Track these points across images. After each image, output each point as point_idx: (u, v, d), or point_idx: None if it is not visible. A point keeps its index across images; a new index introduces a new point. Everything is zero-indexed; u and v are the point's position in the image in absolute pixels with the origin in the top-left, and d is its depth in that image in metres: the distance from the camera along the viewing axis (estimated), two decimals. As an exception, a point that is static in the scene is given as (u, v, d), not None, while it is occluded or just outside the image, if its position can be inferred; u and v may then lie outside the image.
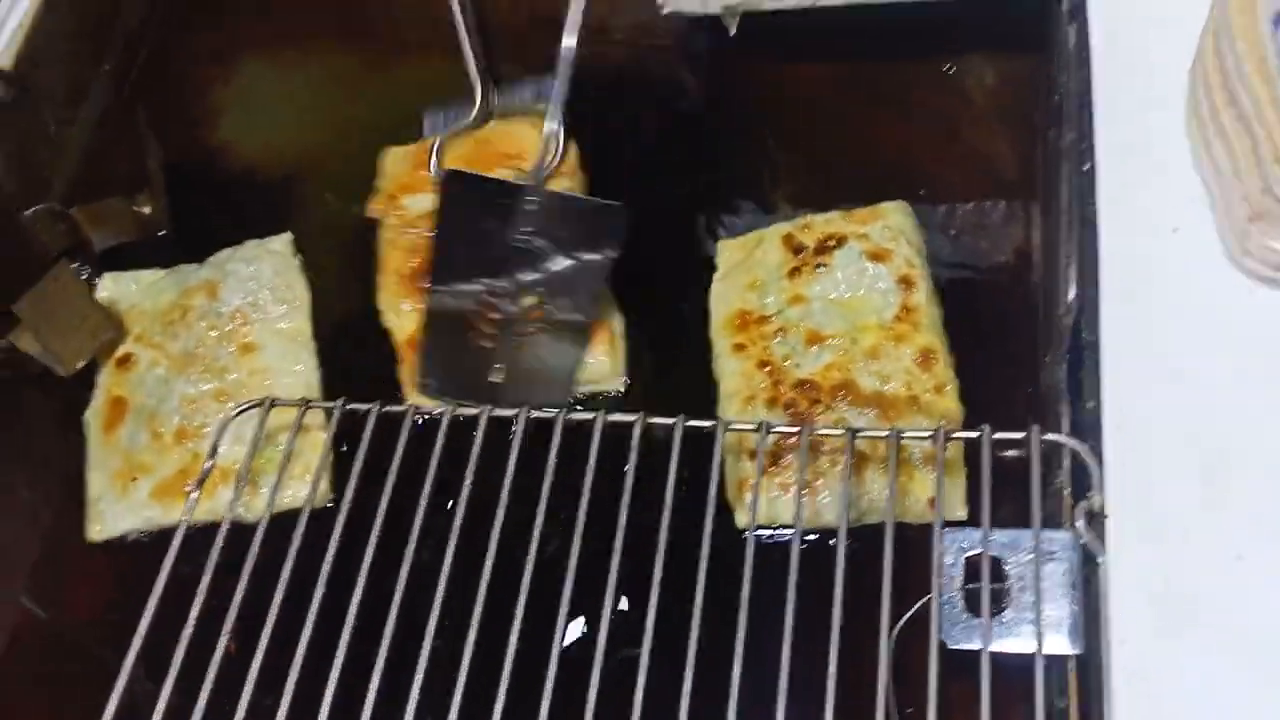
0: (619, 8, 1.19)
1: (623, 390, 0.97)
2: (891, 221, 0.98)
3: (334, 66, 1.24)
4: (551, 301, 0.94)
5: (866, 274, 0.94)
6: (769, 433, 0.83)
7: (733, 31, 1.03)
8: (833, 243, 0.96)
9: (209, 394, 0.99)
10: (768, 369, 0.92)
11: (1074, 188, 0.85)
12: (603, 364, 0.96)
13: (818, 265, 0.96)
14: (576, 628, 0.83)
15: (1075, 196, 0.85)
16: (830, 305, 0.94)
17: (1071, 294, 0.77)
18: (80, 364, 1.01)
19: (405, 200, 1.04)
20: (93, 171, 1.19)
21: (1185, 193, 0.84)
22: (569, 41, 1.00)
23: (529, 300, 0.94)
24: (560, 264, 0.93)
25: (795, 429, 0.83)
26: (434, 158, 1.05)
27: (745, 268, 0.99)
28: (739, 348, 0.94)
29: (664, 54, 1.15)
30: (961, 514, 0.84)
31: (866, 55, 1.09)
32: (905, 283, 0.94)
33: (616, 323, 0.98)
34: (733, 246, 1.01)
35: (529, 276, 0.93)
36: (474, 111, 1.09)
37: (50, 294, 0.95)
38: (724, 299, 0.98)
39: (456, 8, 1.12)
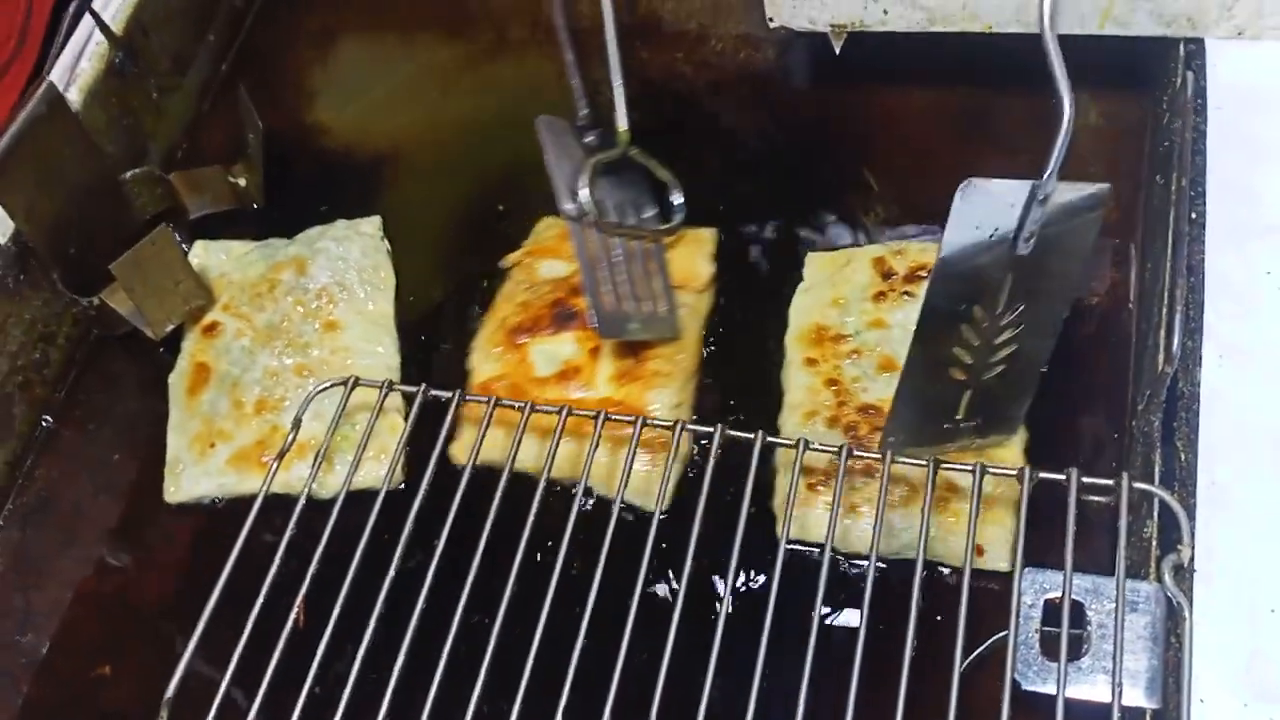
0: (723, 17, 1.19)
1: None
2: None
3: (433, 57, 1.25)
4: (1028, 316, 0.81)
5: None
6: (806, 449, 0.82)
7: (838, 50, 1.03)
8: (924, 272, 0.96)
9: (290, 368, 1.00)
10: (835, 387, 0.92)
11: (1180, 235, 0.84)
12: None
13: (904, 293, 0.95)
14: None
15: (1181, 244, 0.83)
16: (910, 335, 0.93)
17: (1175, 343, 0.75)
18: (169, 328, 1.02)
19: (541, 262, 1.04)
20: (190, 141, 1.22)
21: (1295, 249, 0.82)
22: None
23: (1009, 318, 0.82)
24: (1046, 271, 0.80)
25: (834, 447, 0.82)
26: (586, 181, 0.97)
27: (831, 283, 0.98)
28: (810, 362, 0.94)
29: (765, 67, 1.15)
30: (1004, 565, 0.82)
31: (970, 84, 1.08)
32: None
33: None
34: (822, 260, 1.01)
35: (1015, 294, 0.80)
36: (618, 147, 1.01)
37: (147, 256, 0.97)
38: (804, 311, 0.98)
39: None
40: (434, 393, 0.90)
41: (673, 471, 0.87)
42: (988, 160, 1.07)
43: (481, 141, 1.18)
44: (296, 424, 0.89)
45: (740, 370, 0.98)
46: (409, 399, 0.92)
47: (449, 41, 1.25)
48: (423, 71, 1.24)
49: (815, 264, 1.01)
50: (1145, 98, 1.03)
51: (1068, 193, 0.78)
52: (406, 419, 0.90)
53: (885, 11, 0.96)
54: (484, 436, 0.86)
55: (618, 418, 0.86)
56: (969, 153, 1.08)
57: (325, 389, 0.90)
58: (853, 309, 0.96)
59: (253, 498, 0.87)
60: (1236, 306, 0.81)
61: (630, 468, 0.83)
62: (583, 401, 0.93)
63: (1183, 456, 0.76)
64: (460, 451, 0.93)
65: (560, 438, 0.85)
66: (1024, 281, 0.80)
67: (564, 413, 0.86)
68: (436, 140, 1.19)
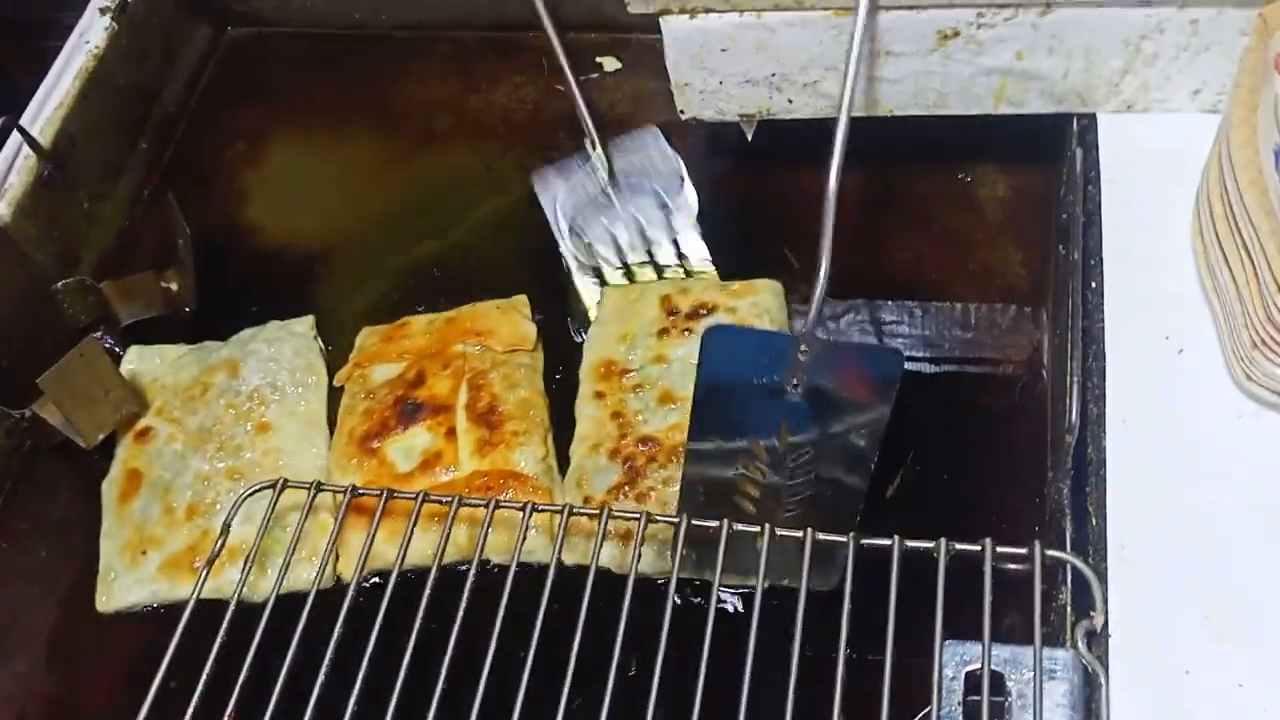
0: (644, 107, 1.23)
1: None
2: (760, 299, 1.02)
3: (361, 153, 1.27)
4: (821, 470, 0.83)
5: None
6: (571, 514, 0.86)
7: (750, 137, 1.06)
8: (704, 310, 1.02)
9: (222, 471, 1.00)
10: (620, 420, 0.97)
11: (1081, 305, 0.87)
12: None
13: (685, 329, 1.01)
14: None
15: (1082, 313, 0.86)
16: (689, 369, 0.98)
17: (1076, 412, 0.78)
18: (101, 436, 1.03)
19: (371, 369, 1.05)
20: (123, 247, 1.22)
21: (1192, 314, 0.85)
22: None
23: (796, 464, 0.84)
24: (831, 423, 0.82)
25: (595, 510, 0.86)
26: (559, 223, 1.07)
27: (622, 319, 1.04)
28: (599, 395, 0.99)
29: (685, 153, 1.18)
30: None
31: (880, 162, 1.11)
32: None
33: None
34: (615, 294, 1.06)
35: (797, 437, 0.82)
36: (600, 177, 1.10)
37: (75, 368, 0.97)
38: (596, 345, 1.03)
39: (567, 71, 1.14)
40: (362, 490, 0.91)
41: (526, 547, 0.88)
42: (902, 232, 1.11)
43: (412, 234, 1.19)
44: (225, 529, 0.89)
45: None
46: (338, 498, 0.93)
47: (376, 136, 1.27)
48: (352, 167, 1.26)
49: (610, 298, 1.06)
50: (1048, 170, 1.07)
51: (844, 352, 0.85)
52: (337, 519, 0.91)
53: (790, 100, 1.00)
54: (373, 537, 0.88)
55: (471, 501, 0.87)
56: (883, 227, 1.11)
57: (254, 492, 0.90)
58: (639, 344, 1.01)
59: (185, 604, 0.87)
60: (1138, 372, 0.83)
61: (484, 542, 0.86)
62: (452, 483, 0.95)
63: (1093, 522, 0.78)
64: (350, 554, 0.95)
65: (414, 526, 0.87)
66: (806, 429, 0.82)
67: (420, 498, 0.88)
68: (367, 236, 1.20)
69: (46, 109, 1.15)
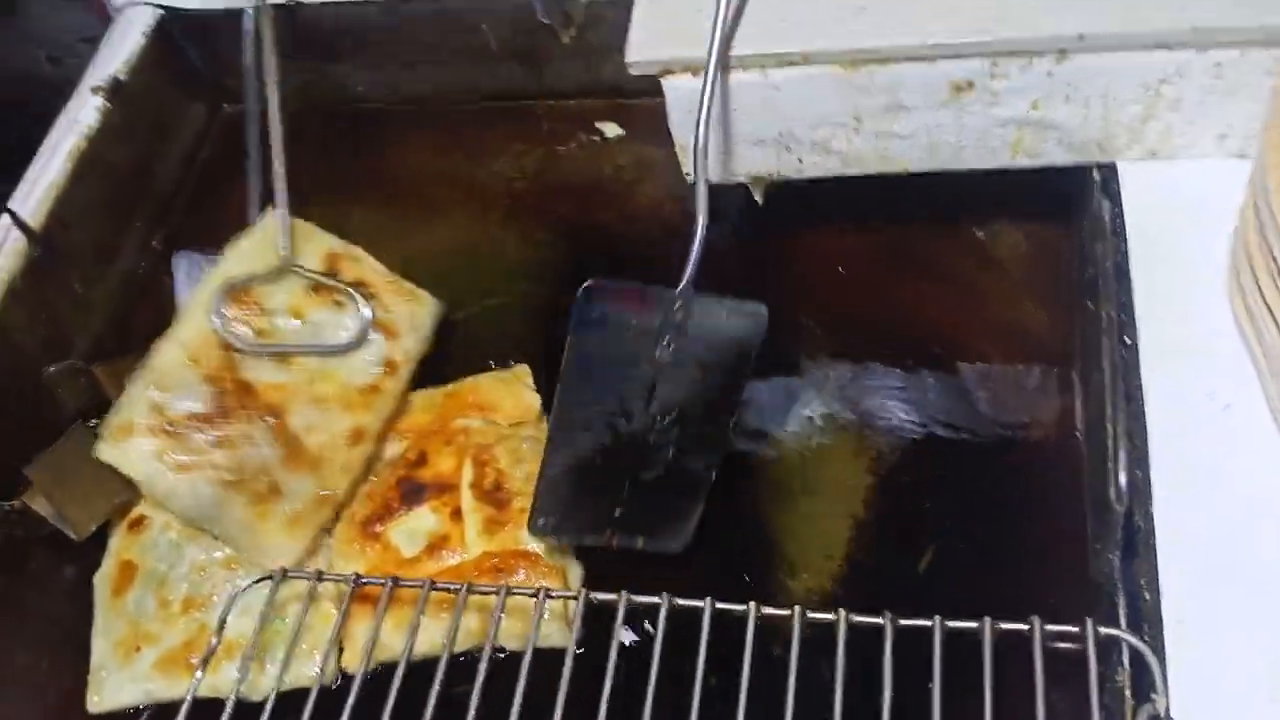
0: (646, 172, 1.20)
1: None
2: (418, 311, 1.03)
3: (363, 229, 1.23)
4: (683, 432, 0.85)
5: (368, 337, 0.99)
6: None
7: (760, 200, 1.03)
8: (365, 290, 1.01)
9: (219, 561, 0.96)
10: (225, 349, 0.95)
11: (1116, 363, 0.83)
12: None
13: (337, 300, 1.00)
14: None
15: (1119, 372, 0.82)
16: (317, 337, 0.98)
17: (1123, 479, 0.73)
18: (93, 527, 0.98)
19: None
20: (116, 330, 1.18)
21: (1234, 367, 0.81)
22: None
23: (660, 429, 0.85)
24: (697, 380, 0.84)
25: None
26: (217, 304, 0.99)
27: (272, 249, 1.01)
28: (219, 313, 0.97)
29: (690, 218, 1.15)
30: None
31: (894, 218, 1.08)
32: (390, 366, 0.99)
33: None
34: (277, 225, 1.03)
35: (664, 399, 0.84)
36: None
37: (64, 458, 0.94)
38: (238, 258, 1.02)
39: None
40: (365, 580, 0.86)
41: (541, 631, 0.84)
42: (919, 291, 1.07)
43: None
44: (220, 626, 0.85)
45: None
46: (341, 588, 0.88)
47: (378, 211, 1.24)
48: (353, 243, 1.22)
49: (268, 227, 1.03)
50: (1071, 223, 1.04)
51: (714, 307, 0.83)
52: (340, 610, 0.86)
53: (800, 160, 0.97)
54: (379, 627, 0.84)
55: (481, 589, 0.84)
56: (899, 287, 1.07)
57: (250, 585, 0.86)
58: (288, 284, 0.99)
59: (180, 705, 0.82)
60: (1182, 431, 0.79)
61: (496, 632, 0.81)
62: (461, 567, 0.91)
63: (1146, 596, 0.73)
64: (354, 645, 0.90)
65: (421, 615, 0.83)
66: (674, 388, 0.84)
67: (426, 587, 0.84)
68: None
69: (37, 191, 1.12)
